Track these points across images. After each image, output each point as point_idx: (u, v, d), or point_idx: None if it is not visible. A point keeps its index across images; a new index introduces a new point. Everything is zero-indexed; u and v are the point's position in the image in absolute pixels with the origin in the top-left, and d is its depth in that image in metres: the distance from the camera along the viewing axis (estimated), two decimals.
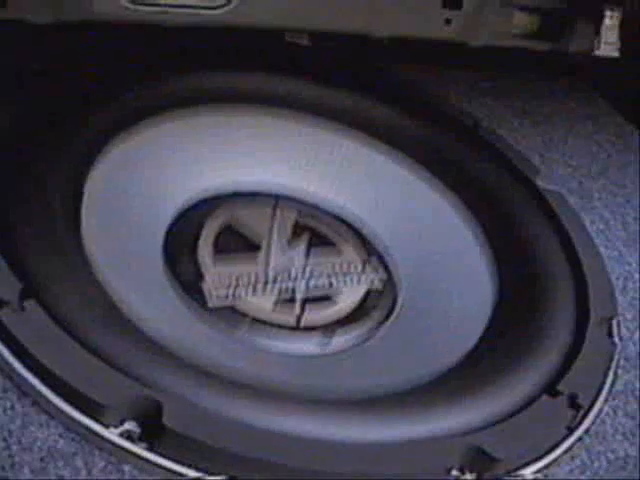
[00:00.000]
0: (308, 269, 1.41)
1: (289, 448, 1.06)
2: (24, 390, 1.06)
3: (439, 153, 1.55)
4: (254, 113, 1.51)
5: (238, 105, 1.51)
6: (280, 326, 1.33)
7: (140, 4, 1.37)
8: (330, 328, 1.36)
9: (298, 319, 1.35)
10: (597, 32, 1.56)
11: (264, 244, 1.42)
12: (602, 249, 1.53)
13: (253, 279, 1.36)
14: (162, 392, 1.05)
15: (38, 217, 1.20)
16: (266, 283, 1.37)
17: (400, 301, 1.41)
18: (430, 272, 1.44)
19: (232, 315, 1.32)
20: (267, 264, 1.39)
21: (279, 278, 1.38)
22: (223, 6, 1.40)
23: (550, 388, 1.23)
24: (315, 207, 1.51)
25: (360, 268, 1.45)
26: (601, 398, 1.28)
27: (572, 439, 1.21)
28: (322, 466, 1.06)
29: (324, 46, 1.67)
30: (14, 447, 1.01)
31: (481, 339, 1.31)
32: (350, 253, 1.47)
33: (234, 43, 1.55)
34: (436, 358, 1.29)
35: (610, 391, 1.30)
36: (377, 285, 1.44)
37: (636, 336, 1.42)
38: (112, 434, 1.03)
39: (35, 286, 1.11)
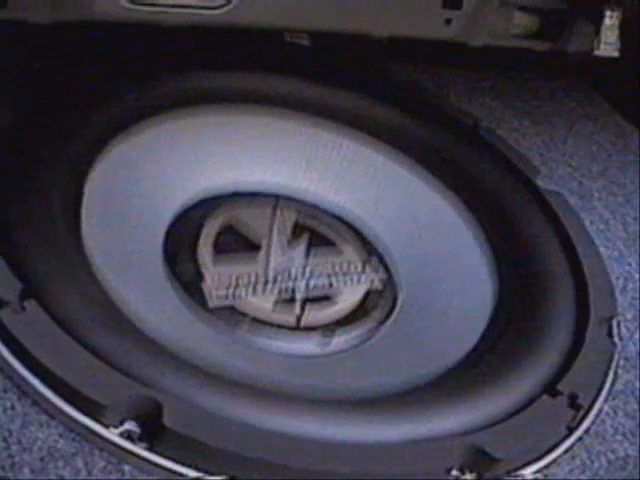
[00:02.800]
0: (308, 269, 1.41)
1: (289, 448, 1.06)
2: (24, 390, 1.06)
3: (439, 153, 1.55)
4: (254, 113, 1.51)
5: (238, 105, 1.51)
6: (280, 326, 1.33)
7: (140, 4, 1.37)
8: (330, 328, 1.36)
9: (298, 319, 1.35)
10: (597, 32, 1.56)
11: (264, 244, 1.42)
12: (602, 249, 1.53)
13: (253, 279, 1.36)
14: (162, 392, 1.05)
15: (38, 217, 1.20)
16: (266, 283, 1.37)
17: (400, 301, 1.41)
18: (430, 272, 1.44)
19: (232, 315, 1.32)
20: (267, 264, 1.39)
21: (279, 278, 1.38)
22: (223, 6, 1.40)
23: (550, 388, 1.23)
24: (315, 207, 1.51)
25: (360, 268, 1.45)
26: (601, 398, 1.28)
27: (572, 439, 1.22)
28: (322, 466, 1.06)
29: (324, 46, 1.67)
30: (14, 447, 1.01)
31: (481, 339, 1.32)
32: (350, 253, 1.47)
33: (234, 43, 1.55)
34: (436, 358, 1.29)
35: (610, 391, 1.30)
36: (377, 285, 1.44)
37: (636, 336, 1.42)
38: (112, 434, 1.03)
39: (35, 286, 1.11)
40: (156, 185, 1.41)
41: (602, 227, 1.60)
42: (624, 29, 1.57)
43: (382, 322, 1.38)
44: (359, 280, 1.43)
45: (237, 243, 1.42)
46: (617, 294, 1.45)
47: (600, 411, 1.27)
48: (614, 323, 1.37)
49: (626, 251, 1.56)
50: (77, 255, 1.19)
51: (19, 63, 1.44)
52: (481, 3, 1.53)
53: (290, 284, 1.38)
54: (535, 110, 1.84)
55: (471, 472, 1.11)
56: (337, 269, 1.43)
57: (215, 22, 1.43)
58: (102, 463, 1.03)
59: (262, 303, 1.34)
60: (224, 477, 1.03)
